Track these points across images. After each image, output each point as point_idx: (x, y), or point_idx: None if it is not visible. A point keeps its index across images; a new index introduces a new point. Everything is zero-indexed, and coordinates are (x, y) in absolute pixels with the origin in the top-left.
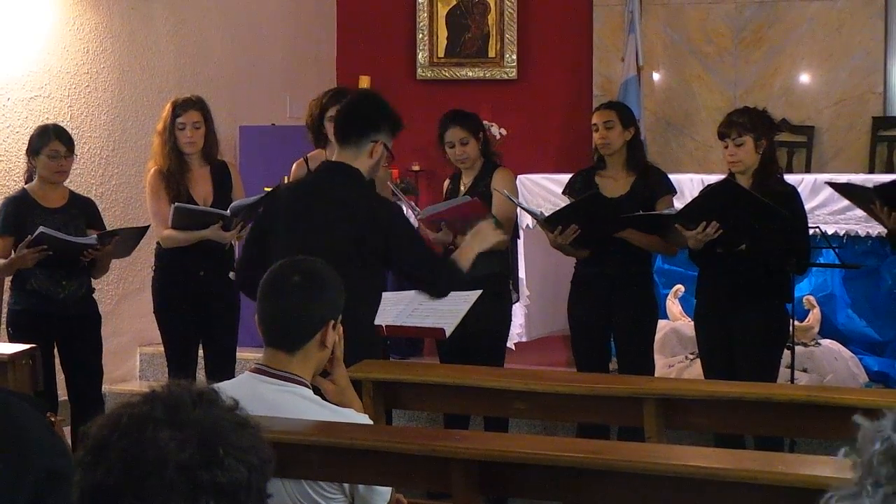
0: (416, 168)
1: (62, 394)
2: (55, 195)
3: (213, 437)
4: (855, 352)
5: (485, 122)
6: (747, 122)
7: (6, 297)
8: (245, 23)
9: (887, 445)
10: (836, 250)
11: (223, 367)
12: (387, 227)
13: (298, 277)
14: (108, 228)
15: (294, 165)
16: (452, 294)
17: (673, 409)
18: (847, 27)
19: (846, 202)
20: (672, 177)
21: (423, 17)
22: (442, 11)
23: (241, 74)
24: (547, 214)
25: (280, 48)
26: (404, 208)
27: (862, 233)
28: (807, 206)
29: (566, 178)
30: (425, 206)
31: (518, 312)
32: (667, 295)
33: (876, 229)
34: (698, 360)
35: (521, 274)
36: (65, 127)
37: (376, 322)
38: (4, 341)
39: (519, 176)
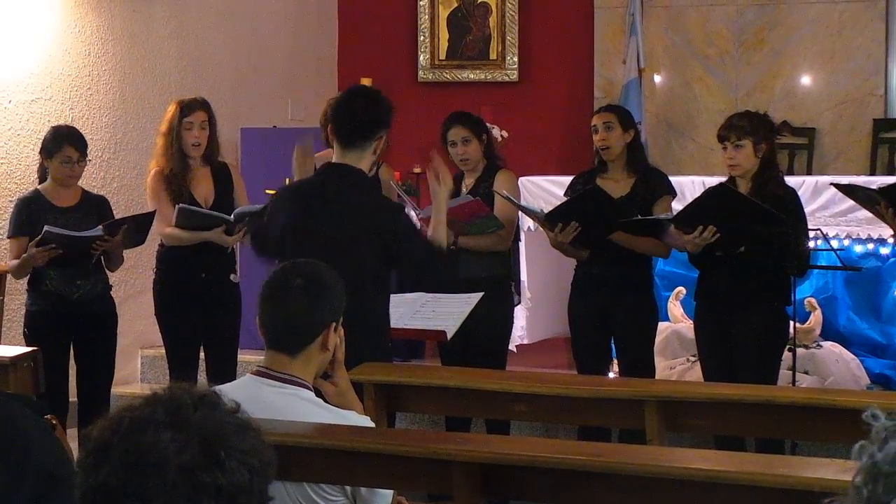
0: (418, 170)
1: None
2: (68, 194)
3: (215, 440)
4: (856, 354)
5: (486, 124)
6: (747, 125)
7: (24, 298)
8: (246, 25)
9: (870, 464)
10: (838, 252)
11: (224, 370)
12: (395, 225)
13: (300, 280)
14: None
15: (294, 156)
16: (454, 296)
17: (674, 411)
18: (848, 29)
19: (847, 204)
20: (673, 179)
21: (424, 19)
22: (443, 13)
23: (242, 77)
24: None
25: (281, 50)
26: (407, 208)
27: (863, 235)
28: (808, 208)
29: (567, 179)
30: (426, 207)
31: (520, 314)
32: (668, 297)
33: (877, 231)
34: (699, 363)
35: (523, 276)
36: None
37: None
38: (19, 343)
39: (520, 178)
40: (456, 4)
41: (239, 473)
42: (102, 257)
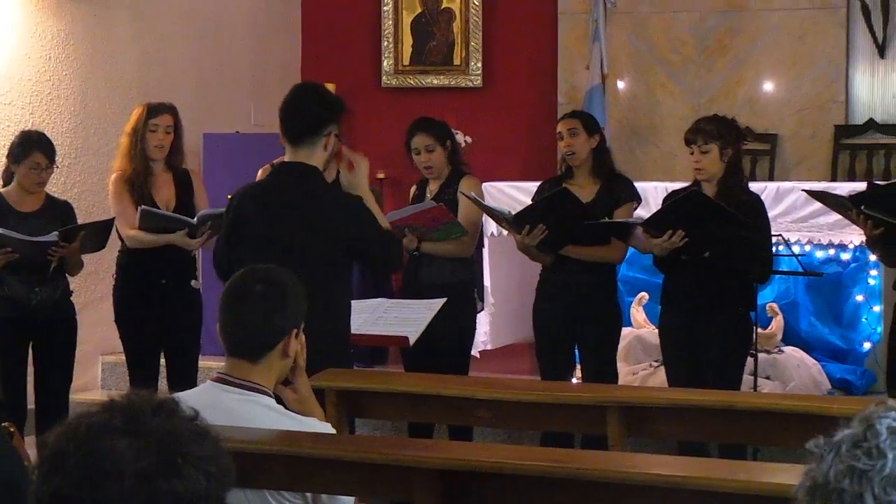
0: (382, 175)
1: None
2: (31, 200)
3: (172, 446)
4: (818, 359)
5: (451, 129)
6: (714, 130)
7: None
8: (209, 30)
9: (810, 479)
10: (799, 258)
11: (186, 376)
12: (356, 221)
13: (261, 287)
14: None
15: (259, 172)
16: (416, 302)
17: (636, 417)
18: (810, 36)
19: (809, 210)
20: (636, 185)
21: (388, 24)
22: (407, 19)
23: (204, 82)
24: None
25: (244, 55)
26: None
27: (825, 240)
28: (770, 214)
29: (531, 185)
30: (390, 212)
31: (483, 320)
32: (631, 303)
33: (839, 237)
34: (662, 368)
35: (486, 282)
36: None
37: None
38: None
39: (484, 184)
40: (420, 10)
41: (196, 480)
42: (63, 262)
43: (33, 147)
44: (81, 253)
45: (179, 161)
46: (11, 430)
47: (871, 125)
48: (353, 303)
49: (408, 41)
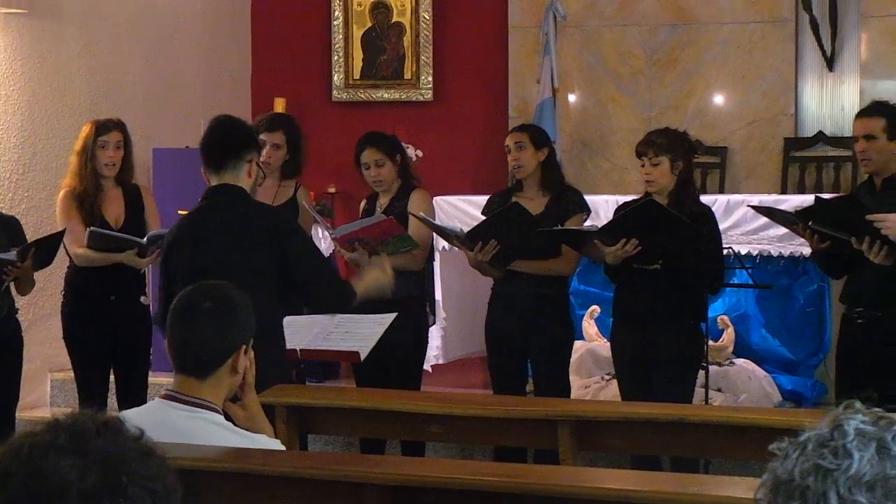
0: (332, 190)
1: None
2: None
3: (117, 465)
4: (769, 371)
5: (401, 143)
6: (665, 142)
7: None
8: (159, 45)
9: (771, 478)
10: (749, 270)
11: (135, 393)
12: (285, 237)
13: (210, 303)
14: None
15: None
16: (367, 317)
17: (587, 430)
18: (759, 49)
19: (759, 223)
20: (588, 198)
21: (338, 38)
22: (357, 33)
23: (154, 96)
24: (467, 231)
25: (194, 70)
26: (320, 229)
27: (775, 253)
28: (720, 227)
29: (482, 199)
30: (340, 227)
31: (435, 334)
32: (583, 316)
33: (788, 249)
34: (614, 381)
35: (438, 296)
36: None
37: (290, 346)
38: None
39: (435, 198)
40: (370, 24)
41: (141, 499)
42: (13, 282)
43: None
44: (33, 271)
45: (129, 177)
46: None
47: (820, 138)
48: (304, 318)
49: (358, 55)
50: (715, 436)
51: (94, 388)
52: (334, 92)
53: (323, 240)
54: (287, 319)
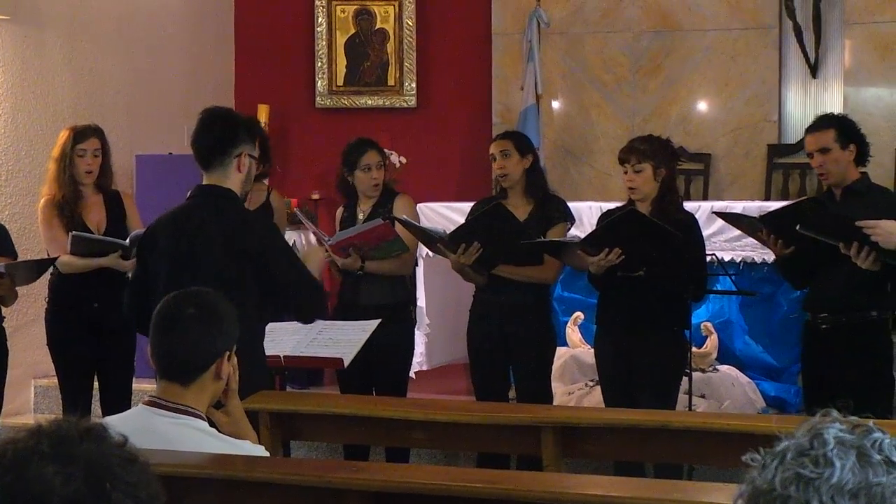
0: (316, 196)
1: None
2: None
3: (100, 472)
4: (752, 377)
5: (384, 150)
6: (648, 149)
7: None
8: (142, 51)
9: (751, 488)
10: (733, 277)
11: (119, 399)
12: (265, 243)
13: (193, 310)
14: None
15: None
16: (351, 323)
17: (571, 437)
18: (742, 56)
19: None
20: (571, 204)
21: (321, 45)
22: (341, 40)
23: (137, 103)
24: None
25: (178, 76)
26: (313, 237)
27: (758, 259)
28: (704, 234)
29: (466, 206)
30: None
31: (418, 341)
32: (566, 322)
33: (772, 256)
34: (598, 388)
35: (421, 302)
36: None
37: (274, 352)
38: None
39: (419, 204)
40: (354, 30)
41: None
42: None
43: None
44: (17, 285)
45: (109, 183)
46: None
47: (803, 144)
48: (287, 325)
49: (342, 62)
50: (698, 442)
51: (77, 394)
52: (318, 98)
53: (308, 245)
54: (270, 326)
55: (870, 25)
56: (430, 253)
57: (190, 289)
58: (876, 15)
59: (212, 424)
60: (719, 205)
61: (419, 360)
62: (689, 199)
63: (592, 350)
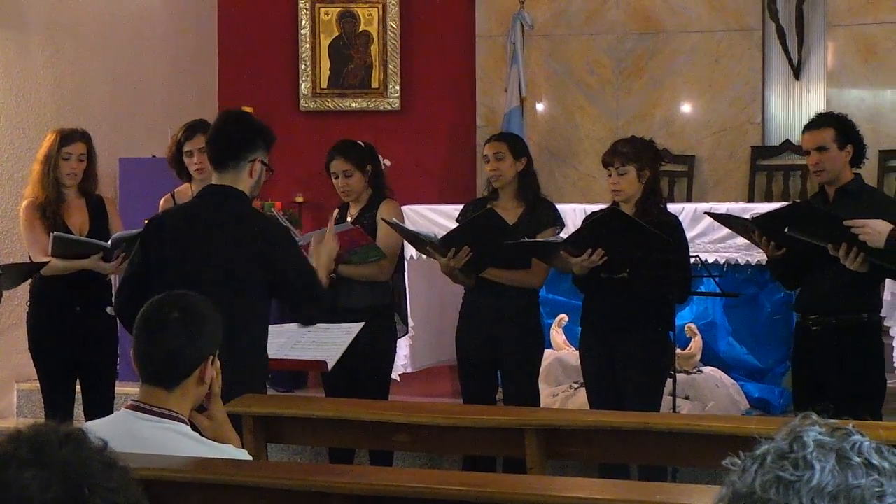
0: (300, 199)
1: None
2: None
3: (79, 477)
4: (736, 379)
5: (374, 153)
6: (631, 151)
7: None
8: (125, 54)
9: (730, 492)
10: (716, 279)
11: (102, 403)
12: (275, 245)
13: (177, 314)
14: None
15: (162, 200)
16: (335, 326)
17: (555, 439)
18: (726, 58)
19: (726, 231)
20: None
21: (305, 48)
22: (324, 42)
23: (121, 106)
24: (440, 237)
25: (161, 79)
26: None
27: (742, 261)
28: (688, 235)
29: (450, 208)
30: (306, 234)
31: (403, 343)
32: (551, 324)
33: (755, 258)
34: (583, 389)
35: (407, 305)
36: None
37: None
38: None
39: (403, 207)
40: (337, 33)
41: None
42: None
43: None
44: (3, 289)
45: (93, 187)
46: None
47: (787, 146)
48: (271, 327)
49: (325, 64)
50: (682, 444)
51: (60, 398)
52: (301, 101)
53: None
54: None
55: (852, 27)
56: (415, 255)
57: (175, 292)
58: (858, 17)
59: (194, 428)
60: (703, 206)
61: (404, 362)
62: (672, 200)
63: (577, 352)
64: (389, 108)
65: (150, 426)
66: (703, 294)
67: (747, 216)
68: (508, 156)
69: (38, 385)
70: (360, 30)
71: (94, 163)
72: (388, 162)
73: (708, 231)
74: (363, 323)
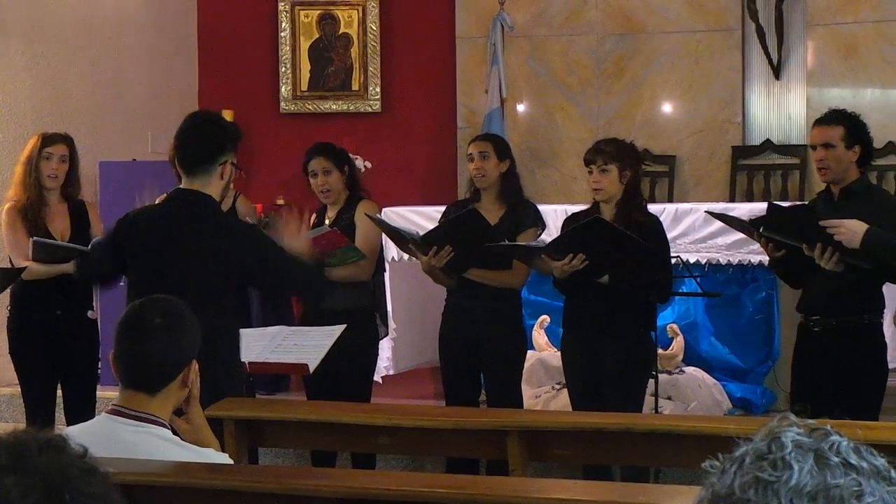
0: (281, 202)
1: None
2: None
3: (59, 484)
4: (718, 379)
5: (350, 155)
6: (613, 151)
7: None
8: (104, 57)
9: (709, 494)
10: (698, 279)
11: (83, 407)
12: (253, 244)
13: (160, 319)
14: None
15: (157, 201)
16: (316, 329)
17: (537, 441)
18: (706, 58)
19: (708, 231)
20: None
21: (285, 50)
22: (304, 45)
23: (101, 109)
24: (422, 235)
25: (141, 82)
26: None
27: (723, 261)
28: (669, 235)
29: (431, 209)
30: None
31: (385, 345)
32: (533, 326)
33: (737, 258)
34: (565, 391)
35: (388, 307)
36: None
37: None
38: None
39: (384, 208)
40: (317, 35)
41: None
42: None
43: None
44: None
45: (75, 192)
46: None
47: (767, 146)
48: (252, 331)
49: (306, 67)
50: (665, 444)
51: (41, 402)
52: (282, 103)
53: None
54: None
55: (832, 27)
56: (396, 256)
57: (155, 296)
58: (838, 16)
59: (175, 432)
60: (684, 207)
61: (386, 364)
62: (653, 201)
63: (559, 353)
64: (370, 110)
65: (131, 430)
66: (684, 294)
67: (733, 214)
68: (493, 156)
69: (19, 389)
70: (341, 32)
71: (77, 168)
72: (368, 164)
73: (689, 231)
74: (345, 325)
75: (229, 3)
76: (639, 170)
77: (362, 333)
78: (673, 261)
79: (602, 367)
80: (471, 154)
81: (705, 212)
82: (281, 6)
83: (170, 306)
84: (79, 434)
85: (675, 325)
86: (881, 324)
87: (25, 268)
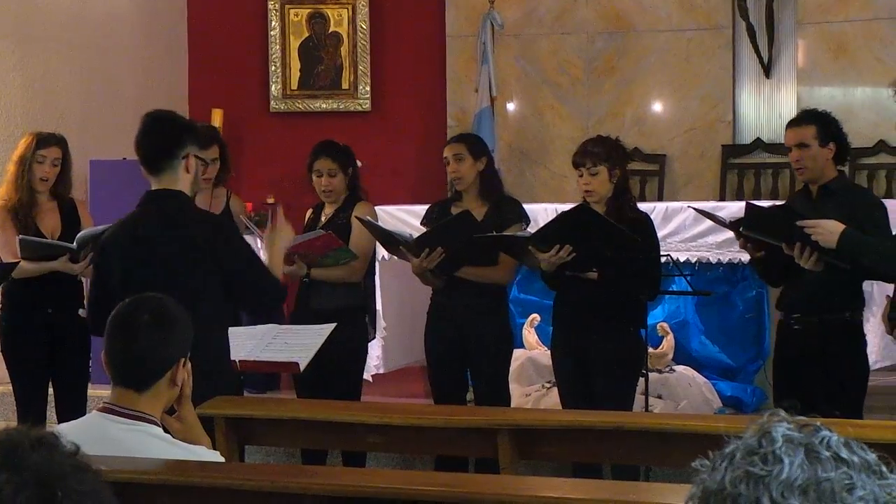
0: (271, 200)
1: None
2: None
3: (51, 481)
4: (708, 377)
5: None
6: (602, 151)
7: None
8: (94, 56)
9: (701, 489)
10: (688, 277)
11: (74, 405)
12: (222, 241)
13: (149, 316)
14: None
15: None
16: (306, 328)
17: (527, 439)
18: (696, 57)
19: (698, 229)
20: (526, 206)
21: (275, 49)
22: (294, 44)
23: (91, 108)
24: (415, 237)
25: (131, 81)
26: (258, 241)
27: (713, 260)
28: (659, 234)
29: (421, 208)
30: None
31: (375, 344)
32: (523, 324)
33: (727, 256)
34: (555, 389)
35: (378, 306)
36: None
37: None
38: None
39: (374, 207)
40: (307, 34)
41: None
42: None
43: None
44: None
45: (66, 191)
46: None
47: (758, 144)
48: (243, 329)
49: (296, 66)
50: (655, 443)
51: (32, 400)
52: (272, 102)
53: (260, 251)
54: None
55: (822, 25)
56: (386, 256)
57: (146, 294)
58: (828, 15)
59: (166, 430)
60: (674, 205)
61: (376, 363)
62: (644, 199)
63: (549, 352)
64: (360, 108)
65: (122, 428)
66: (675, 293)
67: (720, 213)
68: (468, 157)
69: (11, 387)
70: (330, 31)
71: (69, 168)
72: (358, 162)
73: (679, 230)
74: (335, 324)
75: (219, 2)
76: (627, 167)
77: (353, 332)
78: (663, 259)
79: (592, 365)
80: (446, 158)
81: (691, 208)
82: (270, 5)
83: (159, 304)
84: (70, 432)
85: (665, 324)
86: (862, 321)
87: (16, 264)
